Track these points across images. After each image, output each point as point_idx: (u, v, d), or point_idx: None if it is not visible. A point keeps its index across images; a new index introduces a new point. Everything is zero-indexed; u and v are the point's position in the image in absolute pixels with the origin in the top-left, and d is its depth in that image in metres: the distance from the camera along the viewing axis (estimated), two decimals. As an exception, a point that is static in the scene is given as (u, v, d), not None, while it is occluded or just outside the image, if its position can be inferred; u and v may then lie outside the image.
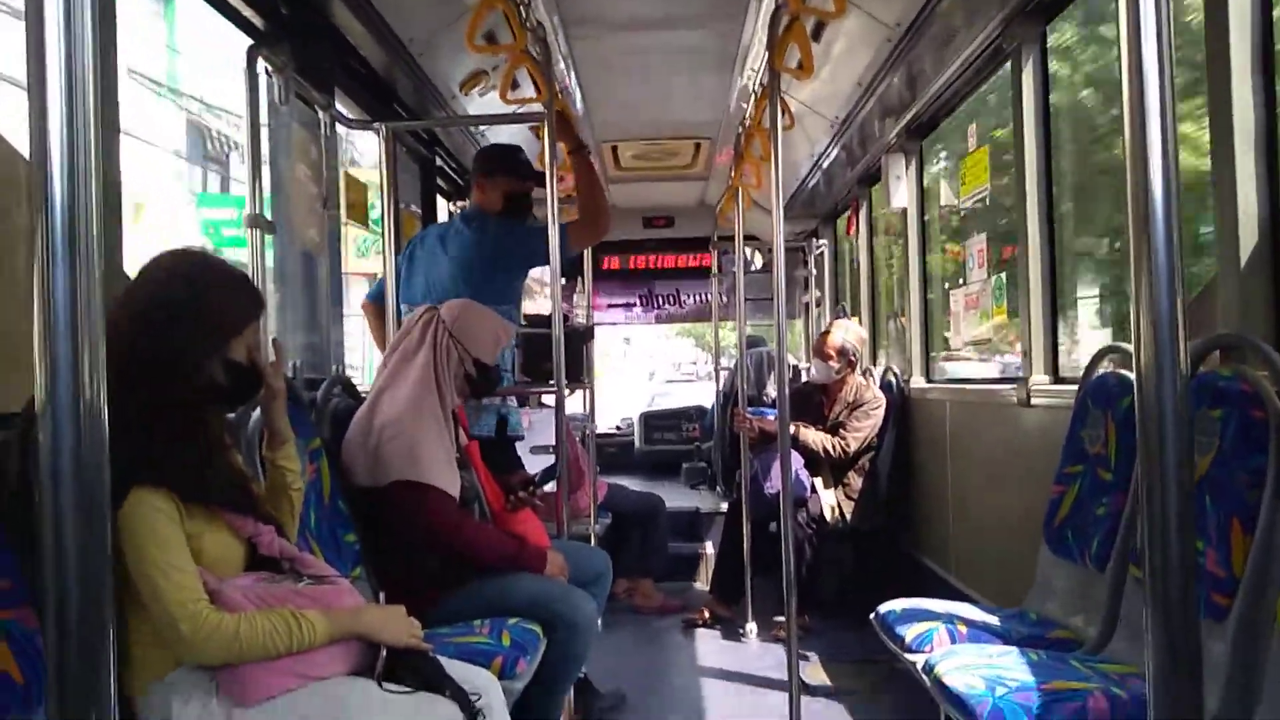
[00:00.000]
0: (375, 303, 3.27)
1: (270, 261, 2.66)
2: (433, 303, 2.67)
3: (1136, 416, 0.94)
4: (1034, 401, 2.95)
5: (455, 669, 1.77)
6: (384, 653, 1.68)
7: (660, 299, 6.96)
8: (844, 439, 4.27)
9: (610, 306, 6.96)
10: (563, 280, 3.86)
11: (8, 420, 1.43)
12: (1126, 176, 0.94)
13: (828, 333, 4.49)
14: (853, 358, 4.45)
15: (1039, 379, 2.97)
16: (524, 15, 2.91)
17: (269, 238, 2.57)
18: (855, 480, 4.32)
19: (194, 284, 1.69)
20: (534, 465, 3.25)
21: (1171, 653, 0.93)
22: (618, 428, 7.88)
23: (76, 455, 0.88)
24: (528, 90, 3.24)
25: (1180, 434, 0.93)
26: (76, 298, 0.87)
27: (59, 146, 0.83)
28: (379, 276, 3.35)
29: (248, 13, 2.62)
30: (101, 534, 0.90)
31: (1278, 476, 1.70)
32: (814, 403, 4.51)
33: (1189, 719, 0.94)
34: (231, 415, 2.00)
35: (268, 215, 2.61)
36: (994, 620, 2.34)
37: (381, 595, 2.42)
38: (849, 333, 4.48)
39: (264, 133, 2.64)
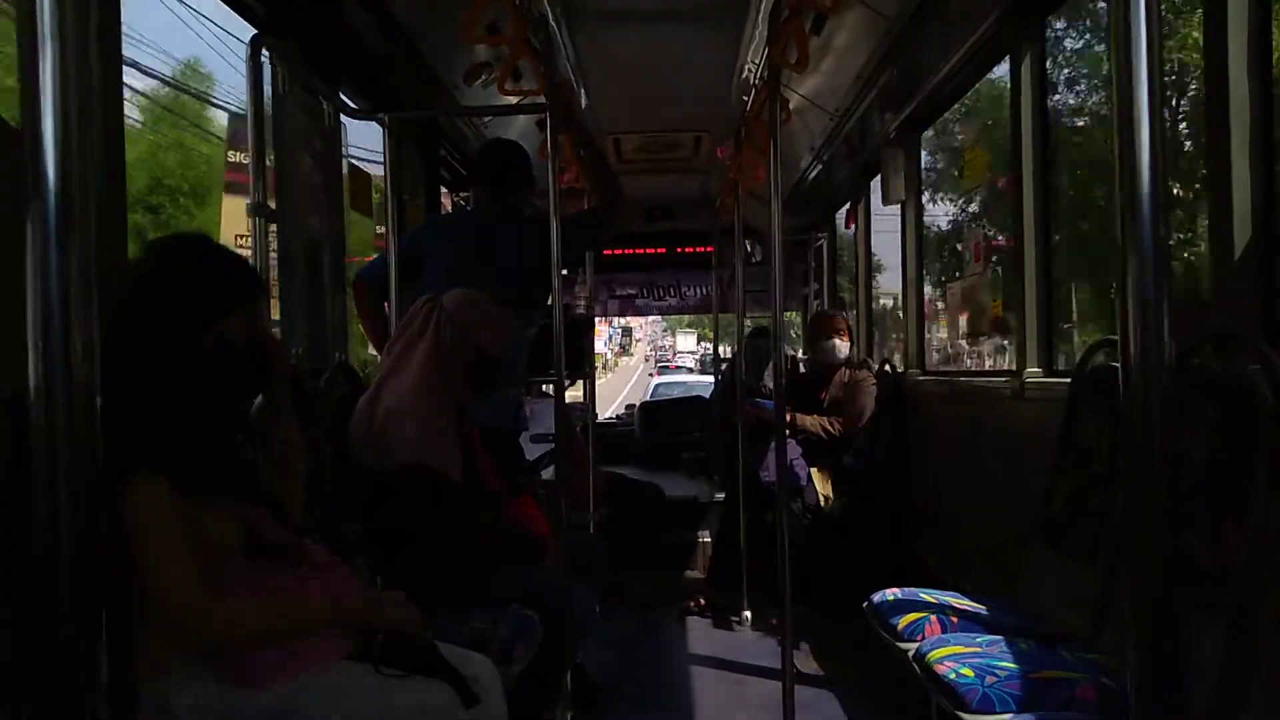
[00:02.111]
0: (370, 285, 3.26)
1: (274, 250, 2.68)
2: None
3: (1121, 407, 0.96)
4: (1028, 394, 2.96)
5: (452, 654, 1.78)
6: (381, 638, 1.70)
7: (661, 290, 6.97)
8: (842, 417, 4.30)
9: (611, 298, 6.96)
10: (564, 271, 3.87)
11: None
12: (1115, 169, 0.96)
13: (831, 317, 4.54)
14: (853, 339, 4.58)
15: (1033, 372, 2.99)
16: (525, 6, 2.92)
17: (272, 226, 2.59)
18: (850, 470, 4.34)
19: (180, 264, 1.70)
20: (534, 454, 3.26)
21: (1153, 645, 0.94)
22: (618, 418, 7.89)
23: (70, 439, 0.89)
24: (530, 82, 3.25)
25: (1163, 425, 0.94)
26: (69, 281, 0.87)
27: (52, 125, 0.83)
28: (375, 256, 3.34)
29: (252, 1, 2.63)
30: (94, 519, 0.91)
31: (1269, 470, 1.71)
32: (809, 389, 4.57)
33: (1170, 711, 0.95)
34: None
35: (271, 204, 2.62)
36: (985, 611, 2.36)
37: (380, 581, 2.44)
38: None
39: (268, 122, 2.66)
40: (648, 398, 10.56)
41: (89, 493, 0.90)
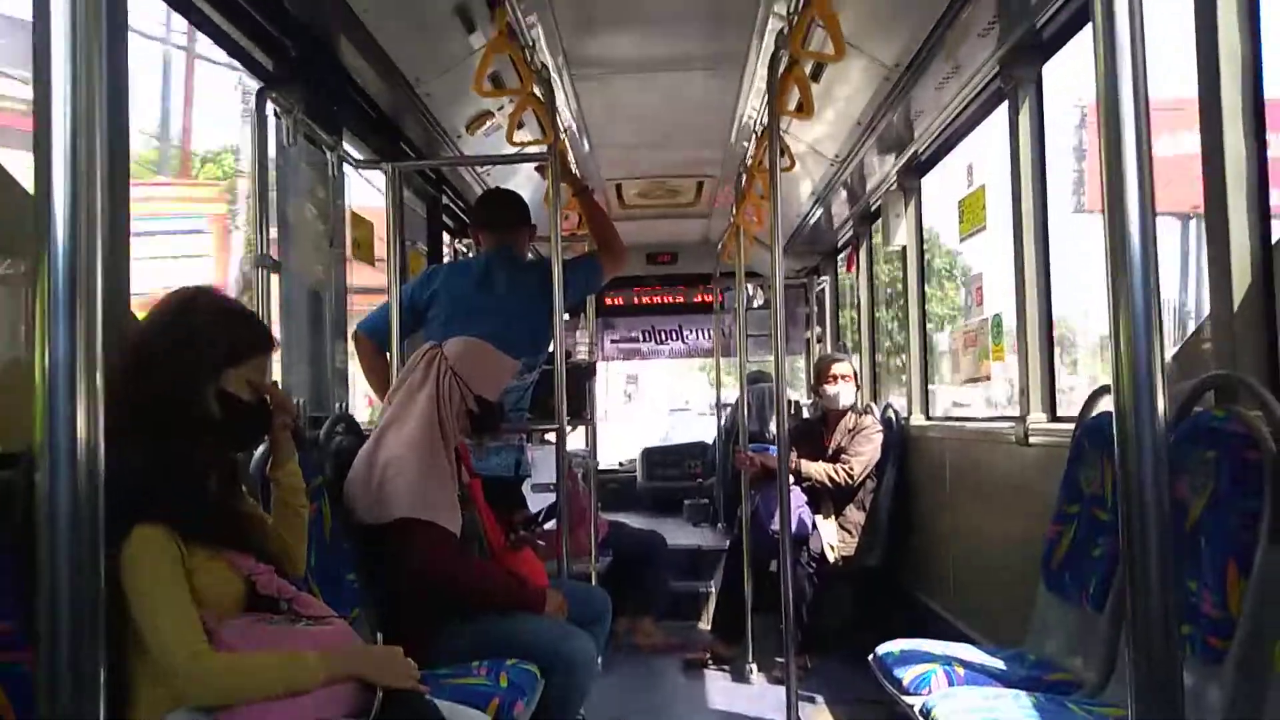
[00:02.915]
0: (371, 338, 3.27)
1: (276, 300, 2.69)
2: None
3: (1116, 456, 0.96)
4: (1032, 440, 2.95)
5: (453, 712, 1.77)
6: (380, 694, 1.68)
7: (663, 335, 6.99)
8: (848, 464, 4.28)
9: (613, 343, 6.98)
10: (566, 317, 3.89)
11: (14, 460, 1.44)
12: (1104, 218, 0.96)
13: (834, 362, 4.53)
14: (858, 384, 4.56)
15: (1037, 417, 2.98)
16: (530, 58, 2.97)
17: (274, 277, 2.61)
18: (856, 517, 4.32)
19: (188, 315, 1.71)
20: (535, 503, 3.25)
21: (1154, 694, 0.94)
22: (620, 465, 7.86)
23: (73, 498, 0.89)
24: (533, 131, 3.29)
25: (1159, 474, 0.94)
26: (75, 340, 0.88)
27: (63, 186, 0.84)
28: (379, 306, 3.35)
29: (258, 55, 2.68)
30: (95, 578, 0.90)
31: (1274, 517, 1.70)
32: (814, 435, 4.54)
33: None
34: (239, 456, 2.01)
35: (273, 255, 2.65)
36: (992, 662, 2.33)
37: (379, 636, 2.41)
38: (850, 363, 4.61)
39: (271, 173, 2.69)
40: (664, 435, 10.57)
41: (91, 556, 0.90)
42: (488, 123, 3.64)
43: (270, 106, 2.62)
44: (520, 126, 3.19)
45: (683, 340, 7.00)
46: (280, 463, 1.94)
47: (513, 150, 3.29)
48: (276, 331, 2.67)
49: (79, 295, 0.89)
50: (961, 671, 2.25)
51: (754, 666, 4.15)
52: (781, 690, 3.12)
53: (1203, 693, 1.75)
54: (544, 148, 3.06)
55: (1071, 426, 2.54)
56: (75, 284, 0.88)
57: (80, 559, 0.89)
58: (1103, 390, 2.49)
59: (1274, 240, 2.03)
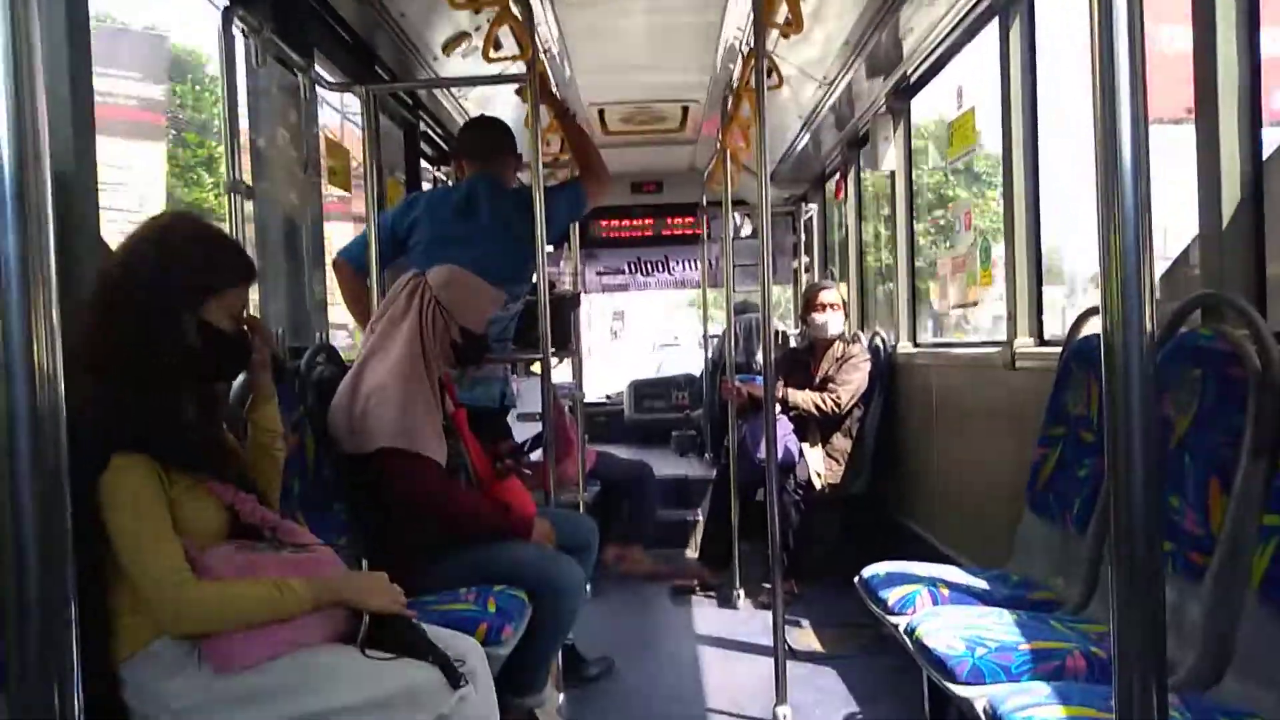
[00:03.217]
0: (351, 263, 3.21)
1: (251, 228, 2.63)
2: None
3: (1102, 374, 0.94)
4: (1019, 364, 2.95)
5: (439, 636, 1.77)
6: (367, 620, 1.68)
7: (649, 266, 6.92)
8: (835, 392, 4.29)
9: (598, 274, 6.92)
10: (550, 247, 3.83)
11: None
12: (1094, 137, 0.93)
13: (821, 290, 4.51)
14: (846, 312, 4.57)
15: (1024, 341, 2.97)
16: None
17: (249, 204, 2.54)
18: (842, 445, 4.34)
19: (168, 242, 1.67)
20: (521, 433, 3.24)
21: (1136, 609, 0.94)
22: (608, 398, 7.87)
23: (33, 426, 0.87)
24: (511, 51, 3.19)
25: (1146, 394, 0.93)
26: (27, 262, 0.85)
27: (4, 97, 0.81)
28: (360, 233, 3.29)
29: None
30: (61, 506, 0.89)
31: (1255, 435, 1.71)
32: (801, 364, 4.55)
33: (1154, 673, 0.94)
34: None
35: (247, 180, 2.58)
36: (976, 582, 2.36)
37: (365, 563, 2.42)
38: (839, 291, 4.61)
39: (242, 96, 2.61)
40: (654, 368, 10.62)
41: (56, 484, 0.88)
42: (465, 43, 3.53)
43: (237, 26, 2.52)
44: (499, 47, 3.09)
45: (669, 271, 6.93)
46: (258, 405, 1.92)
47: (492, 72, 3.20)
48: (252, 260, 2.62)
49: (28, 211, 0.85)
50: (945, 592, 2.28)
51: (741, 592, 4.21)
52: (768, 615, 3.17)
53: (1182, 608, 1.77)
54: (523, 67, 2.97)
55: (1058, 350, 2.53)
56: (23, 199, 0.85)
57: (44, 488, 0.88)
58: (1090, 312, 2.48)
59: (1264, 157, 2.00)
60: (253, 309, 2.08)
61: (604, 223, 6.72)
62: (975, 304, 4.15)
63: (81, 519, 1.00)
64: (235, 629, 1.58)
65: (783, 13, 2.76)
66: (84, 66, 1.71)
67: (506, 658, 2.16)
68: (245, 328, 1.78)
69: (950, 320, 5.40)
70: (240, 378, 1.95)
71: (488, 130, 3.35)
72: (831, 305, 4.44)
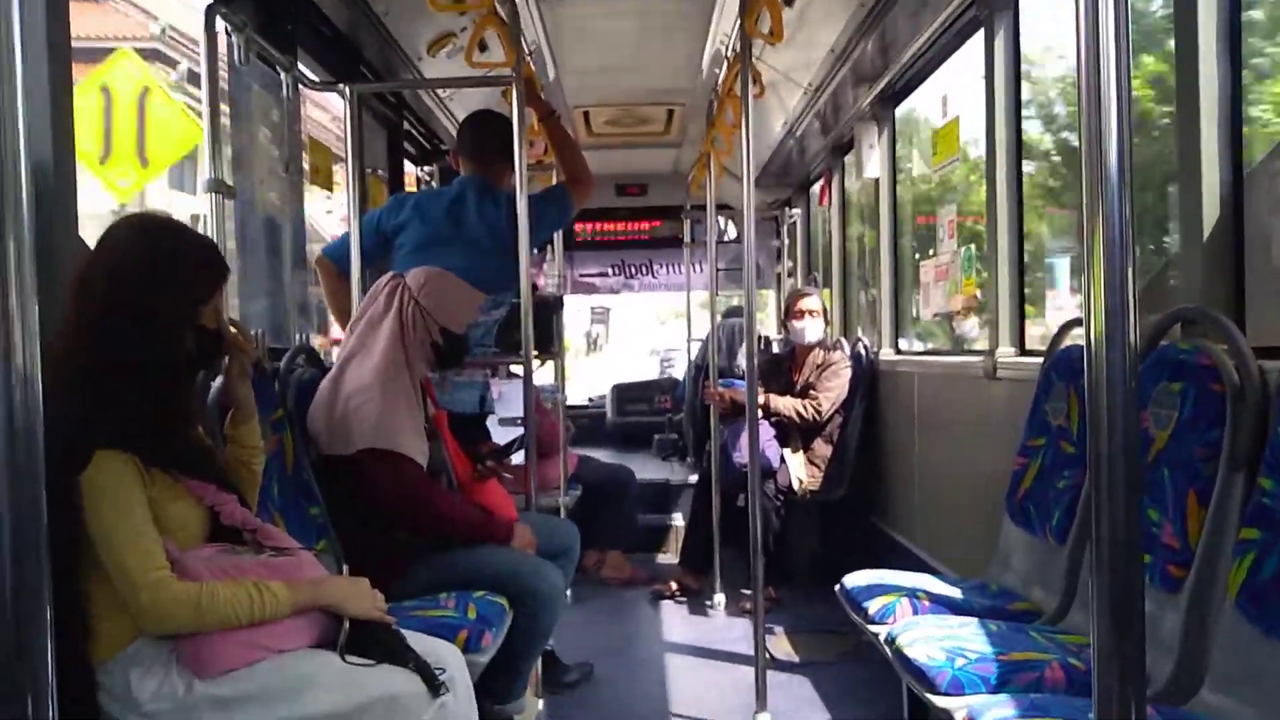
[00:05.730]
0: (335, 263, 3.18)
1: (231, 227, 2.61)
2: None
3: (1085, 386, 0.95)
4: (1000, 374, 2.96)
5: (419, 642, 1.76)
6: (347, 625, 1.67)
7: (633, 269, 6.91)
8: (815, 399, 4.29)
9: (582, 276, 6.91)
10: (534, 250, 3.82)
11: None
12: (1081, 149, 0.94)
13: (805, 295, 4.51)
14: (827, 319, 4.57)
15: (1005, 351, 2.99)
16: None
17: (229, 203, 2.52)
18: (823, 451, 4.35)
19: (166, 250, 1.67)
20: (502, 437, 3.22)
21: (1116, 620, 0.94)
22: (590, 400, 7.86)
23: (9, 425, 0.86)
24: (497, 54, 3.18)
25: (1128, 407, 0.93)
26: (6, 263, 0.84)
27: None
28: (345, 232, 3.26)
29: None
30: (37, 509, 0.88)
31: (1232, 449, 1.72)
32: (782, 370, 4.56)
33: (1133, 684, 0.95)
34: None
35: (228, 180, 2.55)
36: (956, 592, 2.37)
37: (345, 568, 2.40)
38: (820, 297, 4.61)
39: (224, 95, 2.58)
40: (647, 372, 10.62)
41: (32, 482, 0.88)
42: (450, 44, 3.51)
43: (220, 23, 2.50)
44: (484, 49, 3.08)
45: (653, 275, 6.93)
46: (238, 422, 1.91)
47: (477, 74, 3.18)
48: (233, 260, 2.60)
49: (5, 211, 0.84)
50: (925, 601, 2.28)
51: (721, 598, 4.21)
52: (748, 621, 3.17)
53: (1160, 620, 1.78)
54: (508, 70, 2.95)
55: (1040, 361, 2.55)
56: (2, 190, 0.84)
57: (20, 486, 0.86)
58: (1072, 323, 2.49)
59: (1245, 173, 2.02)
60: (232, 311, 2.07)
61: (588, 226, 6.71)
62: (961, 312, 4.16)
63: (60, 521, 0.99)
64: (214, 630, 1.56)
65: (768, 23, 2.76)
66: (63, 69, 1.70)
67: (486, 664, 2.15)
68: (222, 325, 1.79)
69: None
70: (217, 384, 1.94)
71: (488, 129, 3.29)
72: (811, 311, 4.43)
